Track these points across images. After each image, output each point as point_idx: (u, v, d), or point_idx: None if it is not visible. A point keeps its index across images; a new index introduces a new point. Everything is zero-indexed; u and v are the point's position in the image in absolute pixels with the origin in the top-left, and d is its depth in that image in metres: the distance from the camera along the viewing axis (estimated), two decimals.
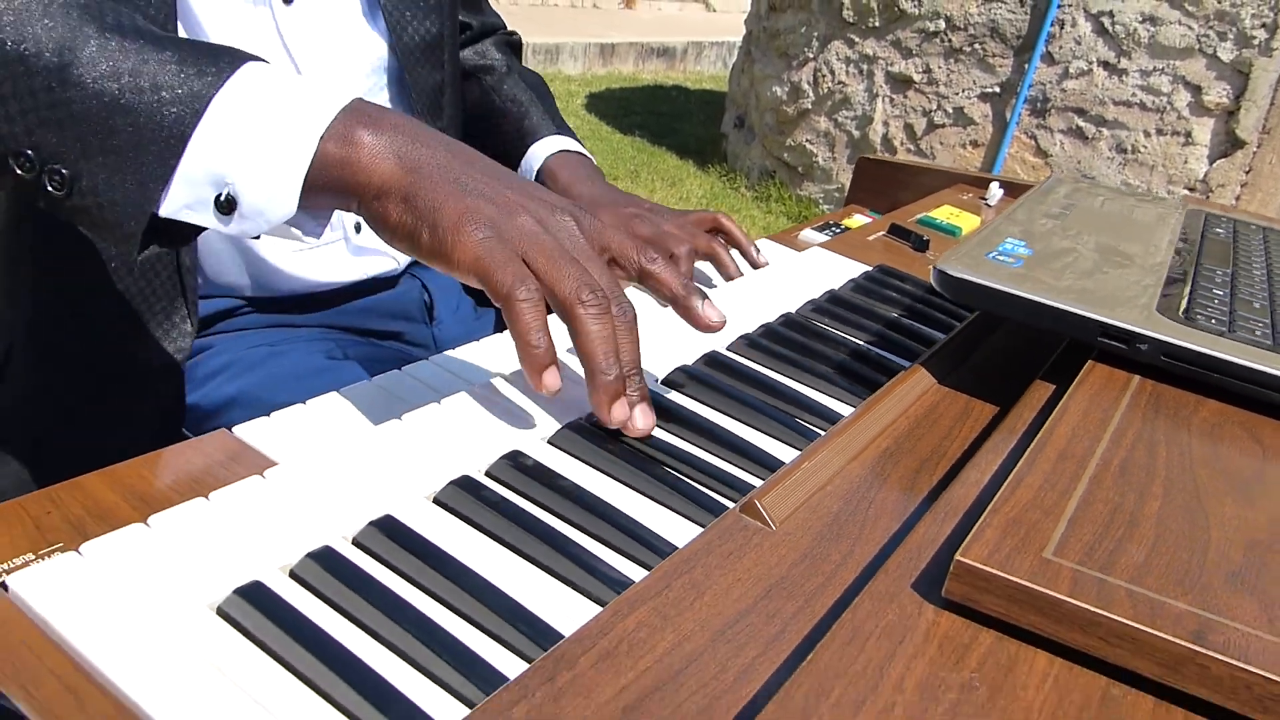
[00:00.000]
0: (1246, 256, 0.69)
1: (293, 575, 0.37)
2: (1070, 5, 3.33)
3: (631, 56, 7.51)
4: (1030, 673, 0.31)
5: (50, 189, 0.46)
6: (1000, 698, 0.30)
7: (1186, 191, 3.26)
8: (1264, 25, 3.03)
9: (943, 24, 3.58)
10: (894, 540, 0.41)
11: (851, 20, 3.81)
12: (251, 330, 0.80)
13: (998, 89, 3.52)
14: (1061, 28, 3.36)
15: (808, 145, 4.05)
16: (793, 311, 0.71)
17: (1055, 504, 0.37)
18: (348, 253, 0.82)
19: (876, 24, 3.75)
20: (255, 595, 0.35)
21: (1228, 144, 3.18)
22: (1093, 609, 0.31)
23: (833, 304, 0.74)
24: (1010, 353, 0.64)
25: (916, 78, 3.68)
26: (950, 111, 3.63)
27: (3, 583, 0.34)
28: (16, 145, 0.46)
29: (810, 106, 4.01)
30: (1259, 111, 3.09)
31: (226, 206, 0.47)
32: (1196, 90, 3.18)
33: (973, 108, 3.57)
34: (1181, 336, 0.50)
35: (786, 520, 0.41)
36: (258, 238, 0.50)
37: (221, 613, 0.35)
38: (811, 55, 3.98)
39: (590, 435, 0.49)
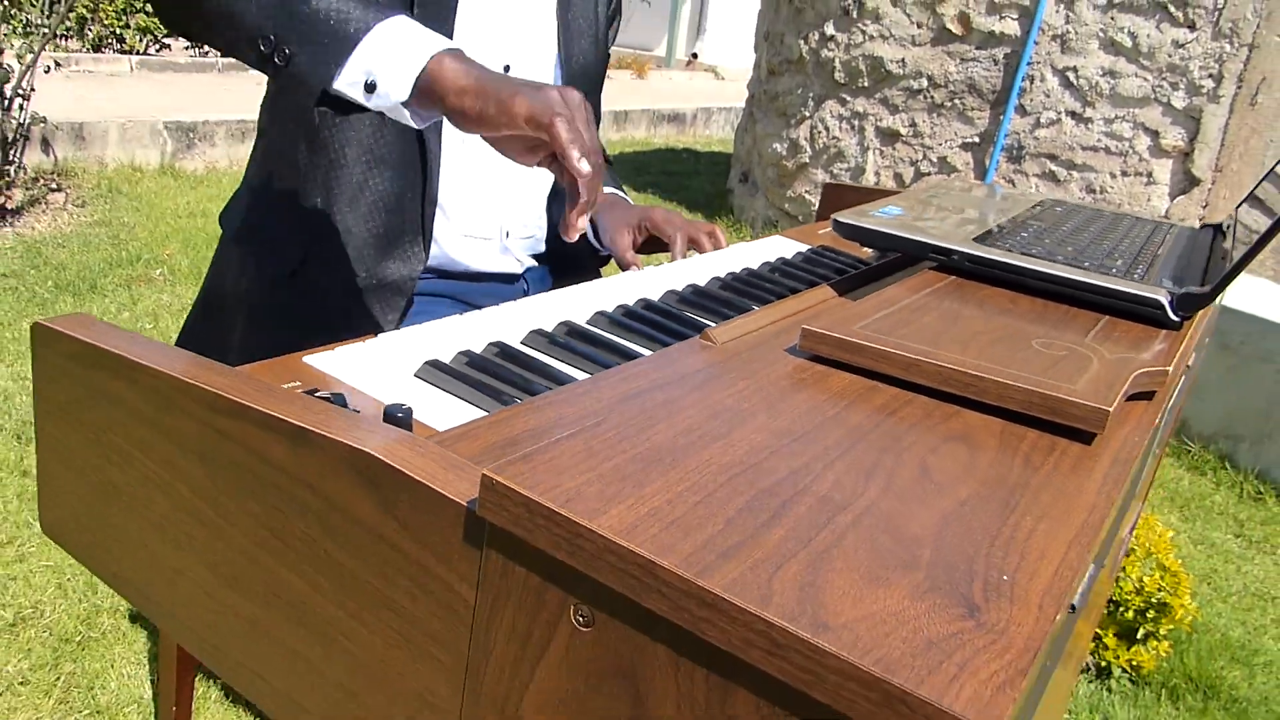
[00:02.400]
0: (1062, 221, 1.00)
1: (452, 362, 0.67)
2: (1039, 62, 3.68)
3: (644, 122, 7.95)
4: (841, 379, 0.61)
5: (276, 61, 0.80)
6: (818, 384, 0.59)
7: None
8: (1211, 76, 3.36)
9: (925, 82, 3.94)
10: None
11: (843, 81, 4.17)
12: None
13: (977, 139, 3.86)
14: (1032, 82, 3.71)
15: (806, 196, 4.39)
16: (754, 267, 1.02)
17: (866, 314, 0.67)
18: (497, 251, 1.15)
19: (866, 84, 4.11)
20: (434, 365, 0.65)
21: (1186, 182, 3.49)
22: (868, 344, 0.61)
23: (783, 264, 1.05)
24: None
25: (903, 131, 4.03)
26: (935, 160, 3.97)
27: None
28: (264, 31, 0.80)
29: (808, 160, 4.36)
30: (1211, 152, 3.41)
31: (370, 89, 0.79)
32: (1155, 135, 3.50)
33: (955, 156, 3.91)
34: (980, 250, 0.80)
35: (726, 344, 0.70)
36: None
37: (417, 375, 0.65)
38: (808, 114, 4.35)
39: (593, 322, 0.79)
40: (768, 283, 0.97)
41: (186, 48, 8.30)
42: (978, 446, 0.54)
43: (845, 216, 0.85)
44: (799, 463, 0.48)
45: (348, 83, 0.80)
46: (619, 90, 8.53)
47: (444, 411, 0.60)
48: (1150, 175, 3.54)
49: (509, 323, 0.76)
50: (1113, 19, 3.52)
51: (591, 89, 1.18)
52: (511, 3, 1.07)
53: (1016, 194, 1.21)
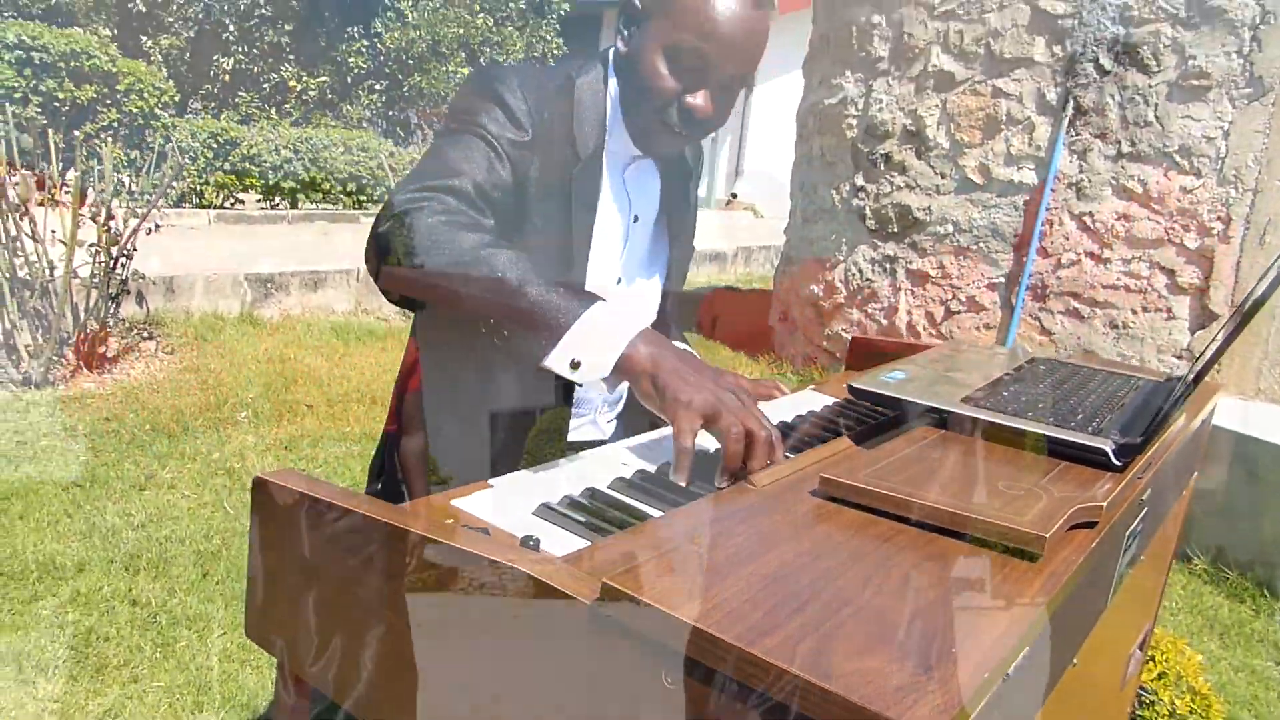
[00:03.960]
0: (1043, 378, 1.21)
1: (557, 504, 0.89)
2: (1056, 207, 3.94)
3: None
4: (850, 515, 0.82)
5: (495, 340, 0.99)
6: (833, 519, 0.80)
7: (1174, 358, 3.74)
8: (1219, 218, 3.59)
9: (951, 228, 4.22)
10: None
11: (873, 228, 4.47)
12: None
13: (1003, 279, 4.10)
14: (1051, 226, 3.96)
15: (843, 334, 4.63)
16: (788, 419, 1.24)
17: (869, 464, 0.88)
18: (588, 423, 1.39)
19: (895, 230, 4.40)
20: (546, 506, 0.87)
21: (1204, 317, 3.67)
22: (870, 489, 0.82)
23: (814, 417, 1.27)
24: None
25: (932, 273, 4.29)
26: (964, 300, 4.20)
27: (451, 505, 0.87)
28: (485, 318, 0.99)
29: (843, 300, 4.62)
30: (1226, 289, 3.60)
31: (574, 366, 0.97)
32: (1171, 273, 3.72)
33: (982, 295, 4.15)
34: (962, 410, 1.02)
35: (765, 486, 0.92)
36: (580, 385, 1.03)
37: (535, 513, 0.87)
38: (842, 258, 4.64)
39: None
40: (799, 434, 1.19)
41: (258, 201, 8.95)
42: (948, 563, 0.74)
43: (859, 383, 1.08)
44: (816, 574, 0.69)
45: (555, 361, 0.98)
46: None
47: (557, 539, 0.82)
48: (1170, 311, 3.73)
49: (597, 469, 0.98)
50: (1123, 167, 3.79)
51: (668, 331, 1.43)
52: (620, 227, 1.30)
53: (1015, 351, 1.43)
